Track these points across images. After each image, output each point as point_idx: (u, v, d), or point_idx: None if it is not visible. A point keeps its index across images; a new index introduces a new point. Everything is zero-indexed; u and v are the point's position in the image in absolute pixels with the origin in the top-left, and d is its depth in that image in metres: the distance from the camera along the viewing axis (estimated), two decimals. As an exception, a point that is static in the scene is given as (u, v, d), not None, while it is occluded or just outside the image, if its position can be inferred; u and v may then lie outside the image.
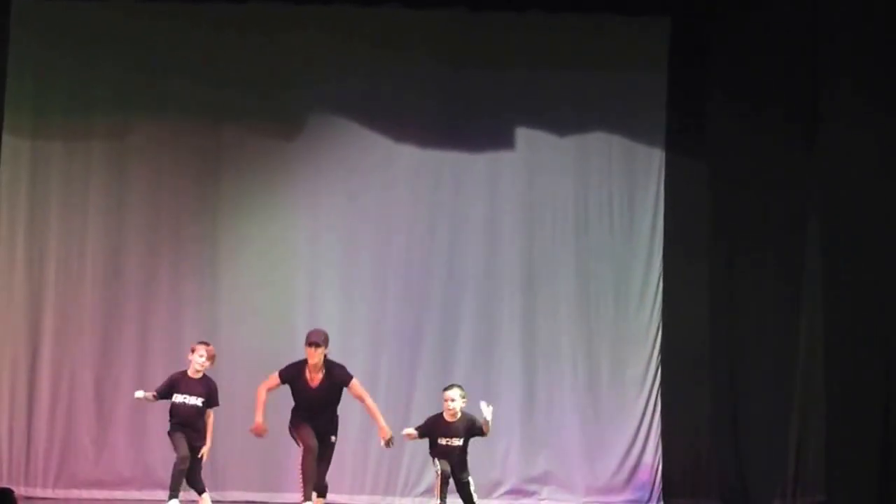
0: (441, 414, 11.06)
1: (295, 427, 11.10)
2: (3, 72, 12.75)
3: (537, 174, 13.15)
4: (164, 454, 12.05)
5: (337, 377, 11.09)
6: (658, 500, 12.89)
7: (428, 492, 12.70)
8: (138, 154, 12.92)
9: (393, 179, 13.09)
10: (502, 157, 13.14)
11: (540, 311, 13.06)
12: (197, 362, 11.37)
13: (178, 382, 11.40)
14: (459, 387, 11.12)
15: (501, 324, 12.99)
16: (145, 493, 12.62)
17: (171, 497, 11.25)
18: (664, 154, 13.14)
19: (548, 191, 13.14)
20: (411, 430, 11.09)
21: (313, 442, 10.99)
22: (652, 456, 12.96)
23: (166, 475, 12.01)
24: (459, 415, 11.01)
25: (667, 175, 13.13)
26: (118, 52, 12.86)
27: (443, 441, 11.03)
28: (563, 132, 13.15)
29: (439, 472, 10.96)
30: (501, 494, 12.84)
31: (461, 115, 13.08)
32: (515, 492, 12.89)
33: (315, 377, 11.07)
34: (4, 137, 12.79)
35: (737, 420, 12.82)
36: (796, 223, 12.73)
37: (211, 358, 11.43)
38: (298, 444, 11.06)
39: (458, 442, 11.01)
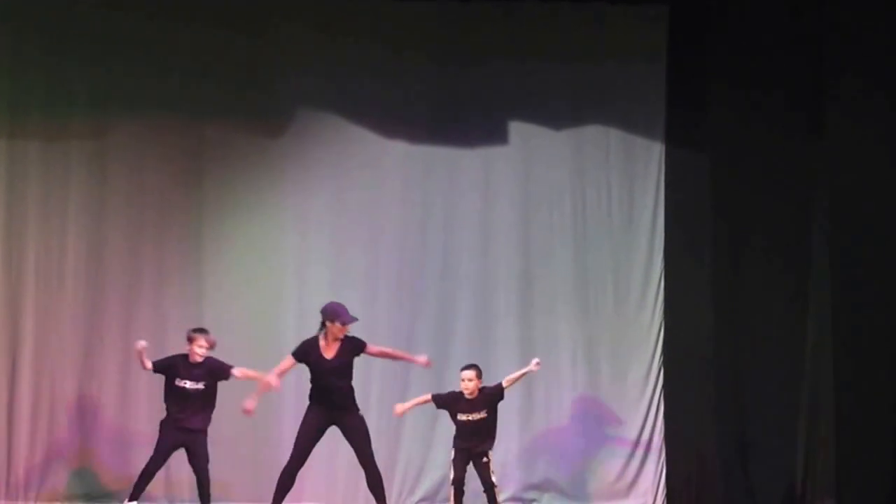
0: (462, 392, 11.32)
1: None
2: (-22, 70, 12.58)
3: (533, 169, 12.97)
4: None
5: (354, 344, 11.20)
6: (511, 504, 12.70)
7: (425, 500, 12.57)
8: (119, 153, 12.70)
9: (383, 176, 12.91)
10: (496, 152, 12.96)
11: (537, 309, 12.89)
12: (197, 353, 11.29)
13: (178, 366, 11.31)
14: (476, 367, 11.32)
15: (497, 323, 12.83)
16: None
17: (130, 498, 11.22)
18: (664, 146, 12.96)
19: (544, 186, 12.96)
20: (426, 396, 11.39)
21: (300, 453, 11.03)
22: (655, 461, 12.78)
23: (152, 486, 11.89)
24: (477, 393, 11.26)
25: (667, 168, 12.95)
26: (96, 50, 12.64)
27: (463, 417, 11.27)
28: (558, 125, 12.97)
29: (451, 480, 11.20)
30: (500, 502, 12.22)
31: (453, 109, 12.91)
32: (514, 499, 12.69)
33: (332, 347, 11.14)
34: (-20, 138, 12.62)
35: (743, 422, 12.62)
36: (802, 216, 12.63)
37: (212, 346, 11.36)
38: None
39: (479, 415, 11.23)
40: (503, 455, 12.46)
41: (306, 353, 11.15)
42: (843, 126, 11.83)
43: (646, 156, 12.95)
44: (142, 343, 11.19)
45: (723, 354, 12.70)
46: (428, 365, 11.42)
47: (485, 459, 11.26)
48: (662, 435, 12.77)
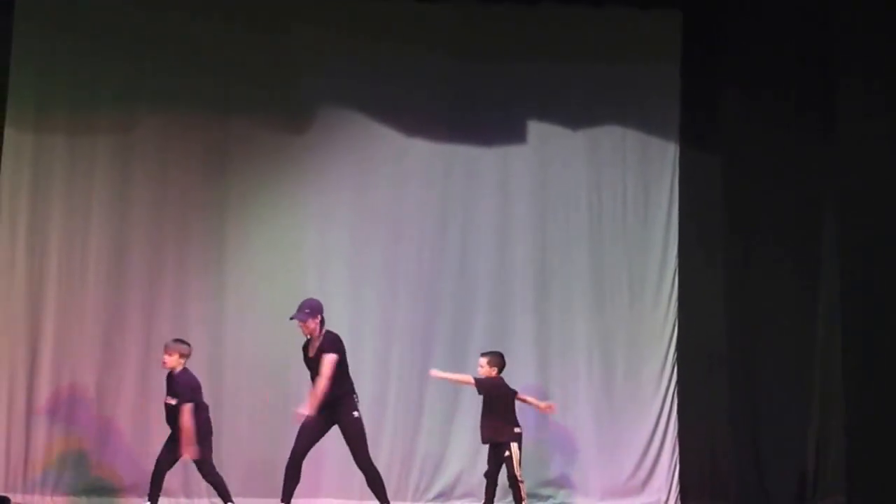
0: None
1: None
2: (6, 65, 12.50)
3: (550, 168, 13.02)
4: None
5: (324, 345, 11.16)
6: (675, 503, 12.71)
7: (442, 495, 12.57)
8: (143, 148, 12.69)
9: (403, 173, 12.94)
10: (514, 151, 13.01)
11: (553, 306, 12.92)
12: (165, 364, 11.27)
13: (167, 381, 11.31)
14: (489, 354, 11.60)
15: (514, 320, 12.83)
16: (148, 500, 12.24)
17: (147, 500, 11.24)
18: (678, 146, 13.02)
19: (561, 184, 13.02)
20: (469, 377, 11.60)
21: (301, 446, 11.05)
22: (669, 457, 12.79)
23: (170, 481, 11.91)
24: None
25: (681, 168, 13.00)
26: (123, 45, 12.66)
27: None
28: (575, 126, 13.03)
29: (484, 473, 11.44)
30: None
31: (472, 109, 12.95)
32: (529, 496, 12.40)
33: (312, 346, 11.21)
34: (7, 131, 12.53)
35: (756, 419, 12.67)
36: (814, 215, 12.70)
37: (184, 357, 11.26)
38: None
39: None
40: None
41: (304, 352, 11.29)
42: (854, 126, 11.86)
43: (660, 156, 13.01)
44: None
45: (735, 351, 12.73)
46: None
47: (507, 453, 11.34)
48: (676, 431, 12.78)
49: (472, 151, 12.95)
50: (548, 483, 12.79)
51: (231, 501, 11.26)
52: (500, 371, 11.57)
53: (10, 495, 11.79)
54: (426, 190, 12.94)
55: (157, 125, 12.68)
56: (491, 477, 11.41)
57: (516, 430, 11.43)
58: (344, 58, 12.82)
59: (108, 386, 12.51)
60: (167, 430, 11.60)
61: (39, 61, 12.61)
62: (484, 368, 11.49)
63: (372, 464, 11.19)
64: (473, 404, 11.96)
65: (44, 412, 12.40)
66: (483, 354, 11.65)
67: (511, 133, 12.98)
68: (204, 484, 11.85)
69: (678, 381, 12.84)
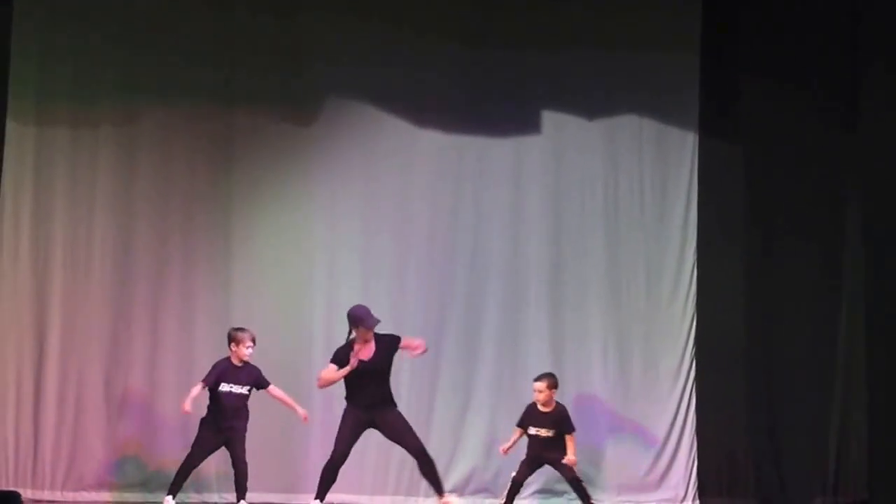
0: (535, 403, 11.51)
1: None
2: (6, 56, 12.47)
3: (565, 158, 12.94)
4: (177, 455, 11.75)
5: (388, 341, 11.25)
6: (693, 500, 12.64)
7: (454, 491, 12.37)
8: (147, 140, 12.66)
9: (414, 164, 12.87)
10: (528, 141, 12.93)
11: (568, 299, 12.86)
12: (245, 354, 11.33)
13: (223, 372, 11.31)
14: (546, 377, 11.50)
15: (528, 313, 12.76)
16: (157, 495, 12.12)
17: (168, 493, 11.27)
18: (697, 137, 12.91)
19: (576, 175, 12.94)
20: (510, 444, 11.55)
21: (341, 451, 11.08)
22: (686, 453, 12.71)
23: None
24: (553, 405, 11.45)
25: (700, 159, 12.90)
26: (125, 36, 12.61)
27: (532, 430, 11.45)
28: (591, 115, 12.94)
29: (513, 477, 11.46)
30: (531, 494, 12.50)
31: (484, 98, 12.88)
32: (545, 491, 12.62)
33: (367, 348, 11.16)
34: (9, 124, 12.49)
35: (775, 415, 12.71)
36: (836, 208, 12.76)
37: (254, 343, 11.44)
38: None
39: (546, 433, 11.36)
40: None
41: (341, 360, 11.13)
42: (877, 116, 11.75)
43: (679, 146, 12.92)
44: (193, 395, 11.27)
45: (755, 346, 12.77)
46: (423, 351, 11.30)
47: (564, 461, 11.36)
48: (694, 427, 12.71)
49: (484, 142, 12.88)
50: (563, 478, 12.42)
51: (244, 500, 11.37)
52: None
53: (20, 490, 11.73)
54: (437, 182, 12.87)
55: (161, 117, 12.64)
56: (519, 484, 11.46)
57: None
58: (352, 47, 12.76)
59: (115, 379, 12.49)
60: (176, 420, 11.80)
61: (40, 53, 12.57)
62: (544, 393, 11.42)
63: (425, 451, 11.17)
64: (486, 399, 12.06)
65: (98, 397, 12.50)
66: (538, 379, 11.54)
67: (525, 123, 12.90)
68: (214, 478, 12.14)
69: (696, 376, 12.75)
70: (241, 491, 11.35)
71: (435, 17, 12.84)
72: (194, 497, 12.28)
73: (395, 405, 11.17)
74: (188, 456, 11.34)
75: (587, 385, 12.79)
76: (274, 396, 11.44)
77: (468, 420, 12.53)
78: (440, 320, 12.66)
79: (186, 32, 12.65)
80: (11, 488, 11.87)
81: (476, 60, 12.82)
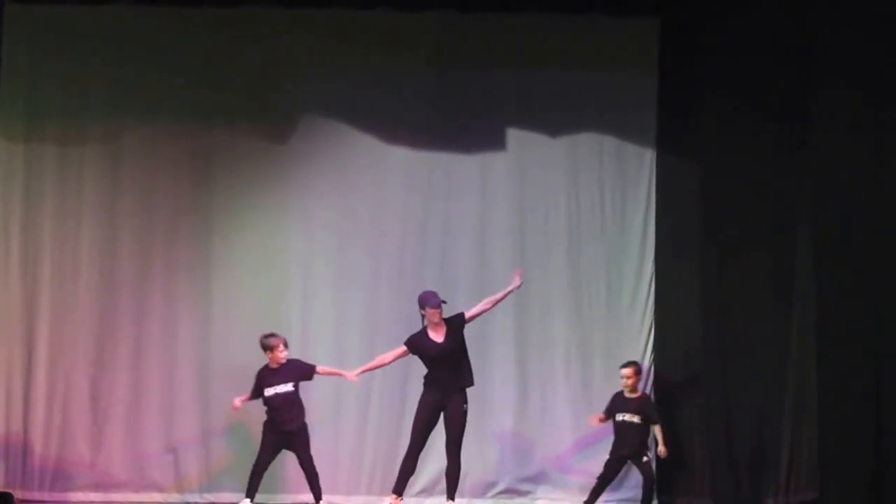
0: (622, 391, 12.03)
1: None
2: (-5, 76, 12.71)
3: (529, 174, 13.12)
4: (160, 457, 12.36)
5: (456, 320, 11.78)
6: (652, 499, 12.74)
7: (424, 491, 12.72)
8: (132, 157, 12.89)
9: (385, 180, 13.07)
10: (494, 158, 13.10)
11: (532, 309, 13.04)
12: (281, 358, 11.75)
13: (264, 378, 11.75)
14: (632, 364, 12.16)
15: (494, 324, 12.88)
16: (142, 495, 12.67)
17: (246, 496, 11.64)
18: (655, 153, 13.09)
19: (539, 190, 13.12)
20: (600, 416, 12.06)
21: (420, 441, 11.68)
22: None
23: (163, 477, 12.45)
24: (639, 392, 12.06)
25: (658, 174, 13.07)
26: (111, 56, 12.84)
27: (620, 417, 11.97)
28: (554, 132, 13.10)
29: (599, 476, 12.03)
30: (496, 494, 12.86)
31: (452, 116, 13.06)
32: (510, 491, 12.90)
33: (439, 331, 11.70)
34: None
35: (730, 418, 12.82)
36: (788, 223, 12.81)
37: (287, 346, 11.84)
38: None
39: (633, 419, 11.92)
40: (500, 449, 12.92)
41: (416, 344, 11.71)
42: (827, 137, 11.85)
43: (638, 162, 13.06)
44: (236, 402, 11.78)
45: (710, 353, 12.85)
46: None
47: (645, 458, 11.83)
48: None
49: (452, 158, 13.05)
50: (527, 479, 12.97)
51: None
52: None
53: (10, 491, 11.92)
54: (407, 196, 13.04)
55: (145, 134, 12.84)
56: (607, 482, 12.05)
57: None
58: (326, 68, 12.92)
59: (101, 384, 12.76)
60: (160, 426, 12.29)
61: (29, 75, 12.78)
62: (632, 379, 11.98)
63: (458, 455, 11.63)
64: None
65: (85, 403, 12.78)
66: (624, 366, 12.15)
67: (491, 140, 13.05)
68: (196, 478, 12.51)
69: (654, 381, 12.93)
70: (315, 492, 11.72)
71: (405, 40, 12.96)
72: (176, 497, 12.65)
73: (468, 387, 11.72)
74: (257, 458, 11.70)
75: (550, 390, 12.99)
76: (323, 374, 11.86)
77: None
78: (411, 328, 12.52)
79: (169, 54, 12.83)
80: (2, 489, 12.03)
81: (445, 81, 12.97)
